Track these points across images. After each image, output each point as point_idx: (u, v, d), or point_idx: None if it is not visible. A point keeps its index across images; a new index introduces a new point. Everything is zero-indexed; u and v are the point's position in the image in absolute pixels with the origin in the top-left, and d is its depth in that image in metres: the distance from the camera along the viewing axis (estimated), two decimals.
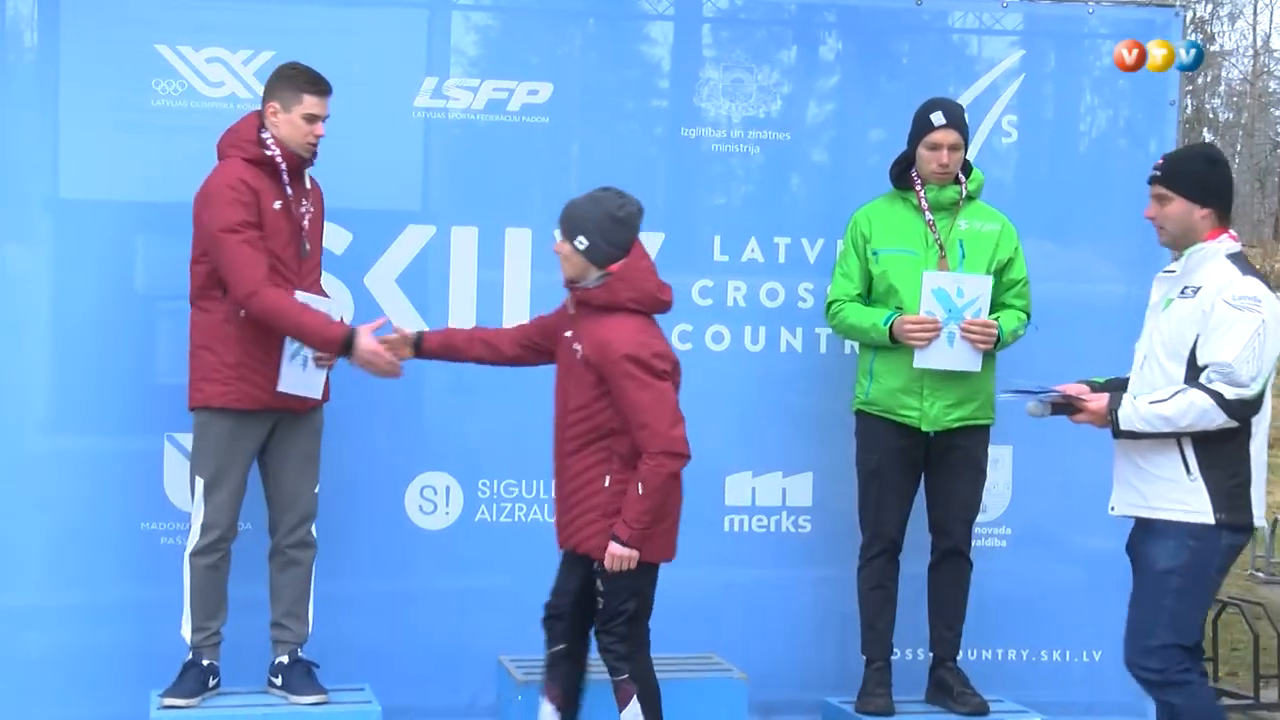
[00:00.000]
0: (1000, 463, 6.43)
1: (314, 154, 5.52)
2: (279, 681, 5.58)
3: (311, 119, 5.44)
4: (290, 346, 5.42)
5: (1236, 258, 5.01)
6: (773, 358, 6.44)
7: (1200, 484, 4.88)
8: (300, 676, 5.57)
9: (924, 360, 5.74)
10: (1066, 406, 5.09)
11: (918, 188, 5.94)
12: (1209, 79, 39.38)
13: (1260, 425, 4.96)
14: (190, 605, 5.52)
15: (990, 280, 5.86)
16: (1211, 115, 41.06)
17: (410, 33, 6.28)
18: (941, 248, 5.89)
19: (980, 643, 6.43)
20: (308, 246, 5.52)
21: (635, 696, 5.08)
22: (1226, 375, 4.79)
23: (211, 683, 5.54)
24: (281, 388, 5.42)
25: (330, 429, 5.73)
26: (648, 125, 6.53)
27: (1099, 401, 4.98)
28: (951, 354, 5.78)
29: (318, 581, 5.68)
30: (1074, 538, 6.76)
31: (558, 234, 5.10)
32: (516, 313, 6.04)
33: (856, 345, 6.12)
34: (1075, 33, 6.82)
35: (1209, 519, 4.87)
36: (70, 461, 5.94)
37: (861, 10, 6.65)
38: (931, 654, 6.12)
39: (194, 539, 5.50)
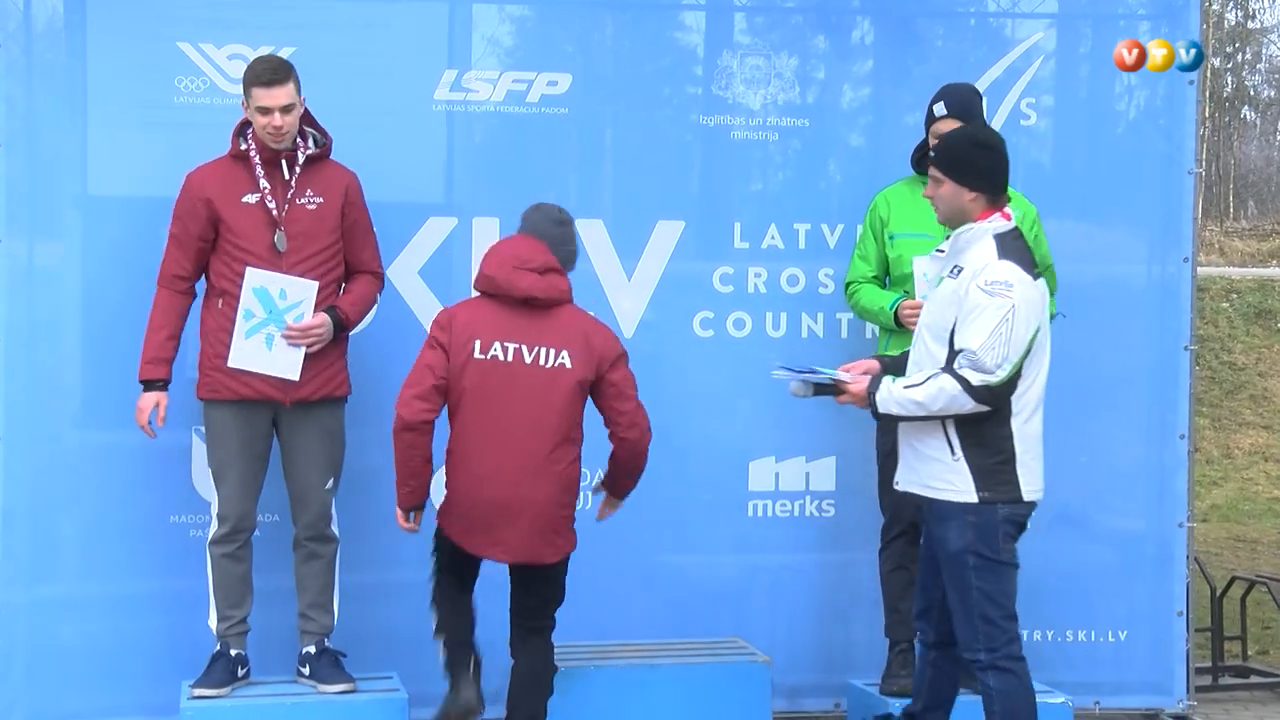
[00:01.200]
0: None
1: (282, 145, 5.49)
2: (307, 671, 5.64)
3: (264, 111, 5.43)
4: (243, 323, 5.44)
5: (1002, 238, 4.98)
6: (794, 343, 6.43)
7: (963, 463, 4.92)
8: (328, 666, 5.62)
9: None
10: (831, 388, 5.09)
11: None
12: (1249, 56, 39.01)
13: (1023, 403, 4.95)
14: (214, 594, 5.60)
15: None
16: (1252, 93, 40.67)
17: (430, 26, 6.29)
18: None
19: None
20: (284, 240, 5.49)
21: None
22: (973, 362, 4.80)
23: (241, 672, 5.61)
24: (231, 363, 5.45)
25: (354, 420, 5.76)
26: (667, 114, 6.53)
27: (860, 384, 4.99)
28: None
29: (343, 572, 5.73)
30: (1101, 518, 6.75)
31: None
32: None
33: (877, 329, 6.13)
34: (1097, 13, 6.78)
35: (972, 498, 4.91)
36: (101, 455, 6.00)
37: None
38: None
39: (212, 529, 5.59)
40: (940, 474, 4.97)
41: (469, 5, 6.34)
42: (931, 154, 5.22)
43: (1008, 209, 5.06)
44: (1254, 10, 38.68)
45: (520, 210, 6.08)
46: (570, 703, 5.65)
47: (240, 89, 5.75)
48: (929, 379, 4.87)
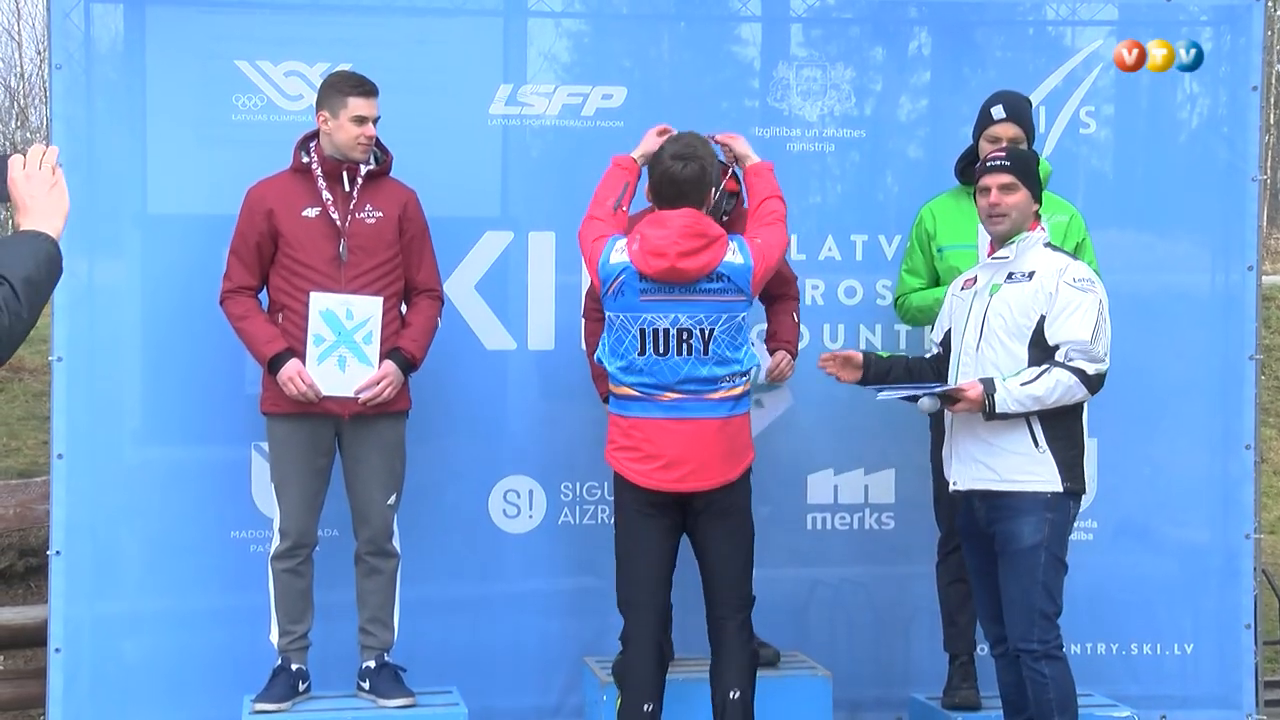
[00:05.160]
0: (1086, 456, 6.34)
1: (368, 156, 5.53)
2: (367, 686, 5.64)
3: (360, 120, 5.47)
4: (314, 349, 5.44)
5: (1050, 245, 5.29)
6: None
7: (1048, 455, 5.08)
8: (388, 680, 5.61)
9: None
10: (946, 398, 5.15)
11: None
12: None
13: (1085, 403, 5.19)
14: (275, 609, 5.61)
15: None
16: None
17: (485, 41, 6.31)
18: None
19: (1070, 637, 6.16)
20: (346, 251, 5.50)
21: None
22: (1085, 352, 5.02)
23: (302, 687, 5.62)
24: (325, 392, 5.46)
25: (414, 435, 5.76)
26: (724, 126, 6.41)
27: (975, 389, 5.05)
28: None
29: (404, 586, 5.72)
30: (1163, 529, 6.67)
31: None
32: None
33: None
34: (1157, 20, 6.68)
35: (1057, 487, 5.08)
36: (162, 472, 6.04)
37: (939, 5, 6.60)
38: None
39: (274, 544, 5.61)
40: (1023, 466, 5.08)
41: (524, 20, 6.35)
42: (1001, 161, 5.20)
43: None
44: None
45: (575, 226, 6.09)
46: None
47: (300, 105, 5.82)
48: (1041, 374, 5.02)
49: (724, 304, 5.08)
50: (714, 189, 5.22)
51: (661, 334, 5.05)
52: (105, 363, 6.01)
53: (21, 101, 34.71)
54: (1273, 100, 33.43)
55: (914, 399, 5.25)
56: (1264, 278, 6.85)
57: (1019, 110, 5.83)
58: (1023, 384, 5.01)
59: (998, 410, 5.03)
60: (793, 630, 6.20)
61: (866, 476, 6.43)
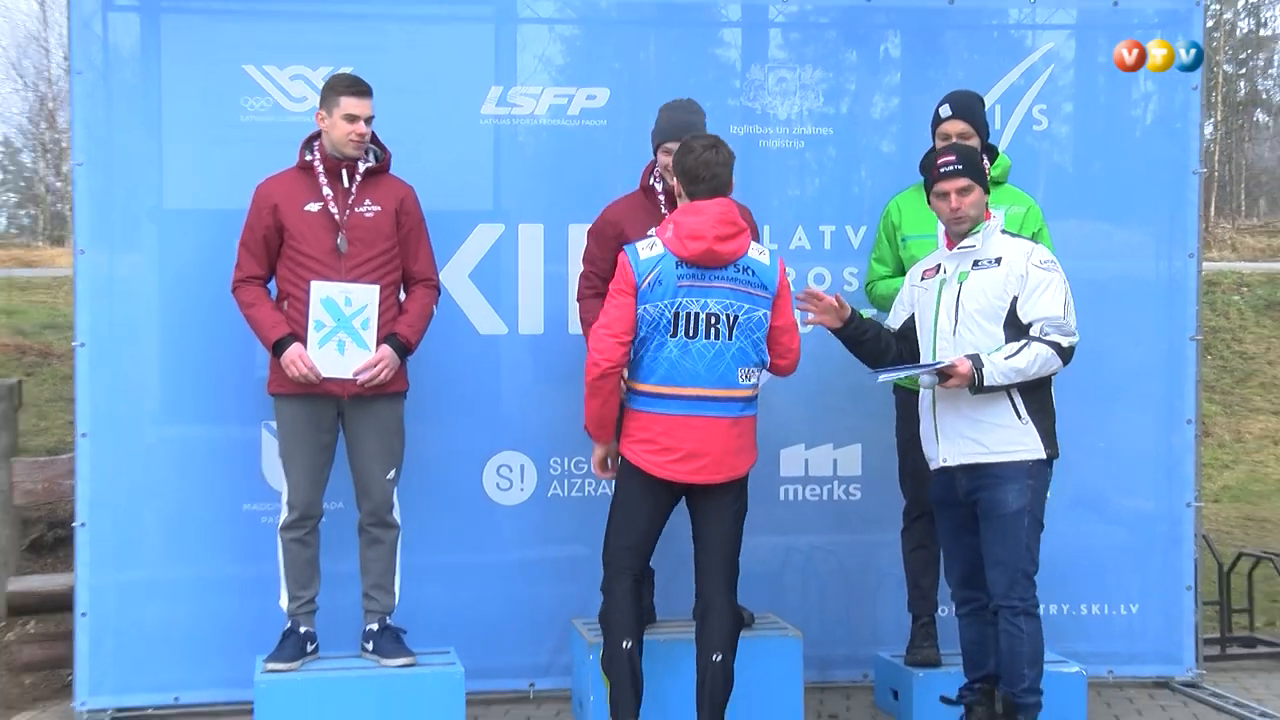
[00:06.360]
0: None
1: (361, 152, 5.55)
2: (370, 647, 5.68)
3: (351, 118, 5.49)
4: (315, 334, 5.47)
5: (1006, 231, 5.41)
6: (822, 338, 6.29)
7: (1031, 426, 5.21)
8: (389, 642, 5.66)
9: None
10: (940, 374, 5.21)
11: None
12: (1263, 62, 38.62)
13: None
14: (284, 576, 5.64)
15: None
16: (1264, 96, 40.28)
17: (477, 46, 6.32)
18: None
19: None
20: (345, 242, 5.52)
21: None
22: (1059, 326, 5.17)
23: (310, 648, 5.66)
24: (325, 374, 5.48)
25: (413, 415, 5.79)
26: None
27: (965, 365, 5.14)
28: None
29: (404, 555, 5.76)
30: (1115, 500, 6.71)
31: None
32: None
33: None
34: (1111, 24, 6.68)
35: (1041, 454, 5.22)
36: (178, 450, 6.07)
37: (908, 10, 6.59)
38: None
39: (283, 515, 5.64)
40: (1011, 438, 5.20)
41: (514, 26, 6.36)
42: (954, 166, 5.23)
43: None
44: (1265, 19, 38.34)
45: (562, 218, 6.13)
46: None
47: (304, 106, 5.83)
48: (1022, 348, 5.14)
49: (749, 295, 5.14)
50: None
51: (693, 318, 5.09)
52: (125, 348, 6.03)
53: (50, 105, 34.68)
54: (1220, 98, 33.47)
55: (912, 378, 5.37)
56: (1209, 264, 6.87)
57: (966, 107, 5.85)
58: (1006, 358, 5.11)
59: (985, 383, 5.11)
60: (767, 594, 6.23)
61: (835, 451, 6.48)
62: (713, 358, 5.11)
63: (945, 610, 6.18)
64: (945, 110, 5.83)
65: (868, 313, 6.04)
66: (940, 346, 5.28)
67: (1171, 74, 6.54)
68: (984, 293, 5.22)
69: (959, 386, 5.15)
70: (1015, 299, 5.19)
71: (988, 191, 5.34)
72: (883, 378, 5.42)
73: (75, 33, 5.98)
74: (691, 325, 5.09)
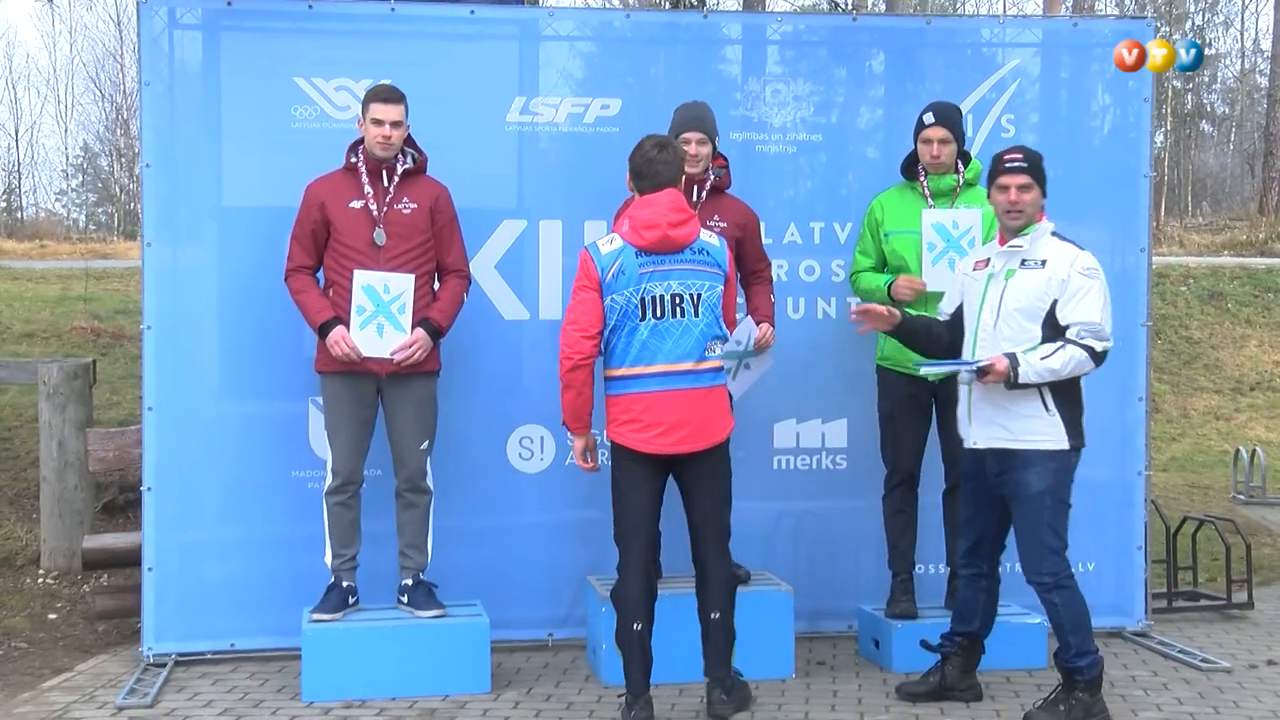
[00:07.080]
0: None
1: (388, 154, 5.51)
2: (405, 600, 5.66)
3: (377, 122, 5.46)
4: (357, 318, 5.43)
5: (1057, 234, 5.17)
6: (811, 323, 6.40)
7: (1057, 417, 5.05)
8: (423, 595, 5.64)
9: None
10: (979, 371, 5.08)
11: (921, 178, 5.88)
12: (1207, 78, 38.44)
13: None
14: (329, 536, 5.62)
15: (980, 212, 5.78)
16: (1209, 109, 40.12)
17: (502, 61, 6.27)
18: None
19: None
20: (382, 236, 5.49)
21: None
22: (1095, 332, 4.98)
23: (351, 601, 5.64)
24: (365, 354, 5.45)
25: (444, 392, 5.77)
26: None
27: (1002, 363, 4.99)
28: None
29: (436, 518, 5.75)
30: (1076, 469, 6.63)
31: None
32: None
33: None
34: (1074, 43, 6.66)
35: (1064, 445, 5.06)
36: (234, 424, 6.05)
37: (890, 30, 6.59)
38: (948, 567, 6.06)
39: (327, 481, 5.62)
40: (1036, 428, 5.04)
41: (536, 43, 6.31)
42: (1019, 163, 5.10)
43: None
44: (1210, 39, 38.15)
45: (579, 215, 6.09)
46: None
47: (348, 114, 5.80)
48: (1057, 350, 4.96)
49: (708, 274, 5.07)
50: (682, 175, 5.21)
51: (659, 300, 5.02)
52: (187, 331, 6.01)
53: (125, 114, 34.71)
54: (1169, 110, 33.29)
55: (953, 374, 5.27)
56: (1158, 258, 6.80)
57: (948, 116, 5.82)
58: (1042, 358, 4.96)
59: (1020, 381, 4.96)
60: (761, 553, 6.20)
61: (824, 425, 6.42)
62: (681, 334, 5.03)
63: (921, 568, 6.18)
64: (929, 118, 5.79)
65: (849, 304, 6.05)
66: (981, 338, 5.15)
67: (1125, 89, 6.51)
68: (1026, 293, 5.05)
69: (995, 383, 5.02)
70: (1055, 301, 5.00)
71: (1044, 195, 5.16)
72: (924, 371, 5.36)
73: (145, 49, 5.95)
74: (658, 306, 5.02)
